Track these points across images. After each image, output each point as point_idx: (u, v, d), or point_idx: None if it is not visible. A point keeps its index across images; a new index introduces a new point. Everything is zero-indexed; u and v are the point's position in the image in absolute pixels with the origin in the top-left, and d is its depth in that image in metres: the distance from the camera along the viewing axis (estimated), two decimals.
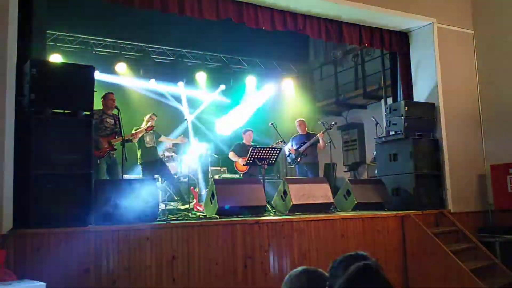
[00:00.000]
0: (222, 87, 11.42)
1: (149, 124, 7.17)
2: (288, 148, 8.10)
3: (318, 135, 7.81)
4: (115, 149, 6.27)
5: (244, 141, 8.19)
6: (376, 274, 1.54)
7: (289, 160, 8.23)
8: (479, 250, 6.12)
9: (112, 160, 6.29)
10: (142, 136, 7.30)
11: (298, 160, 7.93)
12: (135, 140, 7.05)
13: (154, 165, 7.58)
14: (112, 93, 6.52)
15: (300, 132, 8.20)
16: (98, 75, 8.93)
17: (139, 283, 4.19)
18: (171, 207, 7.08)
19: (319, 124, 8.32)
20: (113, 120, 6.37)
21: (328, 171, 9.10)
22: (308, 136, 8.08)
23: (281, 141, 7.51)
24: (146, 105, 9.99)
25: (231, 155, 8.06)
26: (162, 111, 9.53)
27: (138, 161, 7.57)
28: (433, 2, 7.25)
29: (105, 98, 6.41)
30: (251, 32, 7.17)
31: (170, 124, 9.96)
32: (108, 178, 6.22)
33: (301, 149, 7.92)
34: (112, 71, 9.86)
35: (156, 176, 7.56)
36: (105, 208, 4.55)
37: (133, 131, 6.93)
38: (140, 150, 7.50)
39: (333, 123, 8.06)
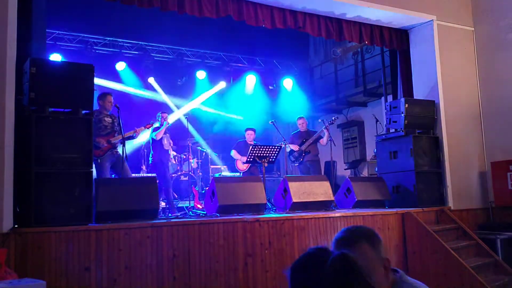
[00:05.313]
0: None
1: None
2: (291, 146, 8.07)
3: (323, 129, 7.82)
4: (116, 147, 6.24)
5: (246, 139, 8.18)
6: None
7: (292, 158, 8.19)
8: (480, 247, 6.12)
9: (116, 158, 6.25)
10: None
11: (301, 158, 7.95)
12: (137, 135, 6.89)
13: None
14: (110, 95, 6.42)
15: (301, 129, 8.24)
16: None
17: (139, 282, 4.20)
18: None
19: (319, 122, 8.33)
20: (111, 119, 6.32)
21: (328, 169, 9.09)
22: (308, 133, 8.12)
23: (283, 141, 7.57)
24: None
25: (233, 153, 8.06)
26: None
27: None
28: None
29: (102, 99, 6.31)
30: (251, 30, 7.15)
31: None
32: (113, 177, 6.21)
33: (303, 146, 7.95)
34: (112, 70, 9.86)
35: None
36: (105, 206, 4.55)
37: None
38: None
39: (334, 118, 8.12)
